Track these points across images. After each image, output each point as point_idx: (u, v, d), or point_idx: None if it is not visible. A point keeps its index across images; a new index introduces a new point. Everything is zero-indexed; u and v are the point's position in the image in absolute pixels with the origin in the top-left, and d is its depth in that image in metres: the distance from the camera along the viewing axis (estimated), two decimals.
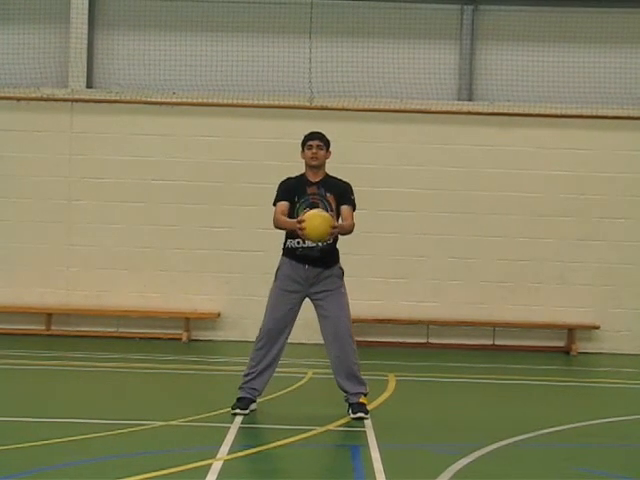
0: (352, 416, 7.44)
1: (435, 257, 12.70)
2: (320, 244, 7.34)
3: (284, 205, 7.47)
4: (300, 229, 7.07)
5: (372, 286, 12.57)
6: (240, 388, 7.59)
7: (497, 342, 12.70)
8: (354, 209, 7.55)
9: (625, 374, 11.05)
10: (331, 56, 12.72)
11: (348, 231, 7.47)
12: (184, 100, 12.66)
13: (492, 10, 12.85)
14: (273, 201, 7.57)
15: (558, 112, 12.60)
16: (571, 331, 12.60)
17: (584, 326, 12.62)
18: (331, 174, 7.65)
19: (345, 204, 7.51)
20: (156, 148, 12.68)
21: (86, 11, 12.70)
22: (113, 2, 12.95)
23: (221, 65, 12.78)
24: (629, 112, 12.63)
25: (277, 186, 7.63)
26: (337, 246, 7.57)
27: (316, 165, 7.55)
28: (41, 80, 12.71)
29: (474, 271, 12.68)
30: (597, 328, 12.64)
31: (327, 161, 7.63)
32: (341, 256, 7.59)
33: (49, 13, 12.75)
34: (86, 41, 12.70)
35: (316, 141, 7.59)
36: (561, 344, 12.70)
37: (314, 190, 7.51)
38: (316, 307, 7.60)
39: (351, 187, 7.62)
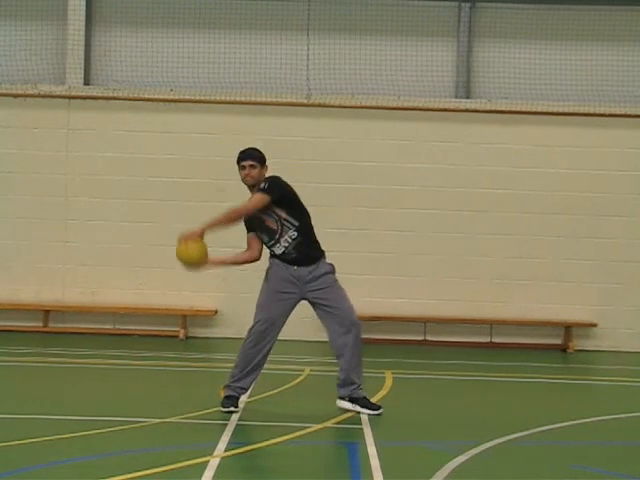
0: (373, 413, 7.35)
1: (432, 254, 12.69)
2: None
3: (250, 238, 7.70)
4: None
5: (369, 283, 12.55)
6: (227, 387, 7.50)
7: (494, 340, 12.71)
8: (265, 192, 7.29)
9: (623, 372, 11.05)
10: (329, 53, 12.71)
11: (237, 211, 7.43)
12: (181, 97, 12.65)
13: (489, 7, 12.85)
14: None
15: (555, 110, 12.60)
16: (568, 328, 12.60)
17: (581, 324, 12.62)
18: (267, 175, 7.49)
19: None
20: (153, 145, 12.67)
21: (83, 8, 12.69)
22: None
23: (219, 62, 12.77)
24: (626, 110, 12.63)
25: None
26: (311, 239, 7.43)
27: (251, 184, 7.44)
28: (38, 77, 12.69)
29: (471, 268, 12.68)
30: (594, 325, 12.65)
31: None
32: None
33: (46, 10, 12.74)
34: (83, 38, 12.69)
35: (248, 161, 7.42)
36: (558, 342, 12.70)
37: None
38: (317, 305, 7.41)
39: (269, 178, 7.39)
